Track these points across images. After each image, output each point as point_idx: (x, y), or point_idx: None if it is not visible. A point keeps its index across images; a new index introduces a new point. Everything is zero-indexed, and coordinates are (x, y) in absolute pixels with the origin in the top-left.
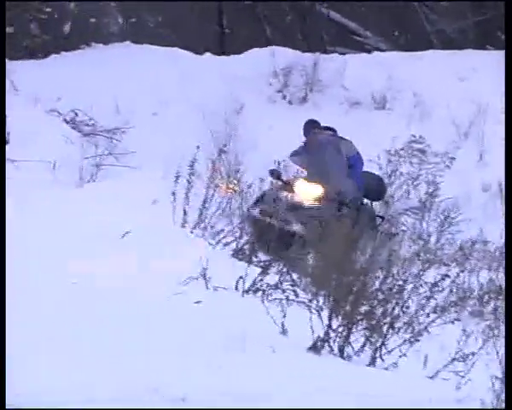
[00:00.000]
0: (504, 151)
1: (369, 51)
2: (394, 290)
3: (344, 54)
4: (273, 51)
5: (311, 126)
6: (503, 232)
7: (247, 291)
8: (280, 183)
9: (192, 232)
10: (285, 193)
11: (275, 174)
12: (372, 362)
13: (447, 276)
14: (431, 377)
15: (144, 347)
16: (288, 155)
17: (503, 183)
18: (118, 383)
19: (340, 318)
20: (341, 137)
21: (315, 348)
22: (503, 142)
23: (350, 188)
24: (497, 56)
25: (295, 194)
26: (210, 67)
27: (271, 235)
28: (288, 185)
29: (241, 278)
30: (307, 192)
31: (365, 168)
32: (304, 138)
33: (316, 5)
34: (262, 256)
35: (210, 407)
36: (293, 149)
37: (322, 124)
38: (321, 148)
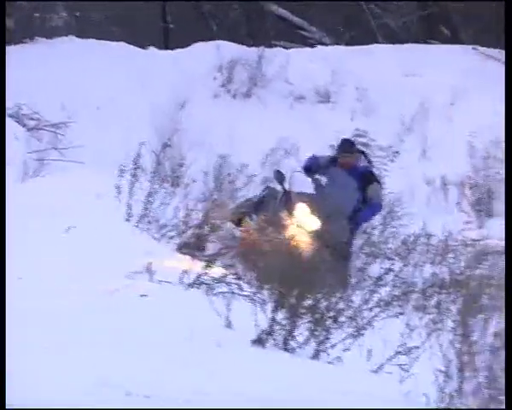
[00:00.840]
0: (504, 151)
1: (313, 46)
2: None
3: (288, 48)
4: (218, 46)
5: (347, 147)
6: (446, 226)
7: (191, 285)
8: (281, 188)
9: (136, 226)
10: (282, 210)
11: (279, 178)
12: (316, 356)
13: (391, 270)
14: (375, 371)
15: (90, 341)
16: (307, 159)
17: (447, 177)
18: (64, 377)
19: (284, 311)
20: (373, 176)
21: (259, 341)
22: (447, 137)
23: (343, 234)
24: (441, 51)
25: (291, 215)
26: (155, 61)
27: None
28: (288, 198)
29: (185, 271)
30: (303, 223)
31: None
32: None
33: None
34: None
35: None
36: (314, 155)
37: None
38: (345, 180)
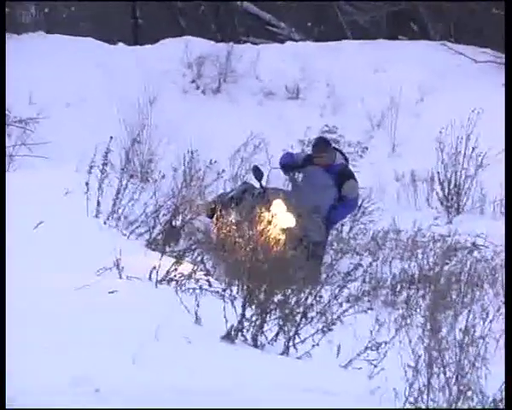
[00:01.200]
0: (504, 151)
1: (282, 42)
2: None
3: (257, 44)
4: (187, 42)
5: (322, 146)
6: (415, 222)
7: (160, 281)
8: (259, 185)
9: (105, 223)
10: (258, 206)
11: (257, 174)
12: (285, 351)
13: (360, 265)
14: (344, 367)
15: (58, 338)
16: (282, 156)
17: (416, 172)
18: (33, 375)
19: (253, 307)
20: (349, 172)
21: (229, 337)
22: (416, 133)
23: (317, 234)
24: (410, 47)
25: (266, 211)
26: (124, 57)
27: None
28: (264, 194)
29: (154, 268)
30: (278, 220)
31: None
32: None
33: None
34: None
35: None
36: (290, 152)
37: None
38: (322, 178)
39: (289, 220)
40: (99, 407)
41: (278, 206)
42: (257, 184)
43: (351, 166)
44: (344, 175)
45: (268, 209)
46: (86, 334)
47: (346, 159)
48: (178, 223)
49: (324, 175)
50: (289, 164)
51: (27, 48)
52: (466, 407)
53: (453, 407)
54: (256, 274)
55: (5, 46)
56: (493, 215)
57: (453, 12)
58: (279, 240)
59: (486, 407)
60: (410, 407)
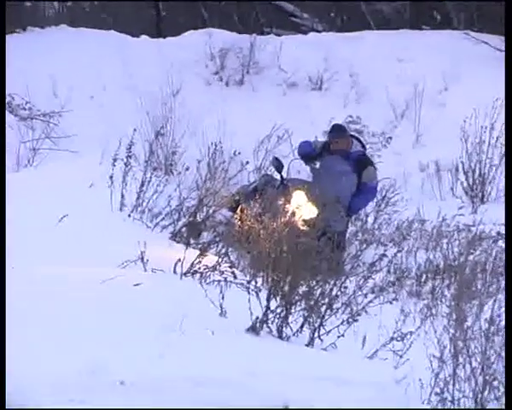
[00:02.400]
0: (505, 151)
1: (305, 33)
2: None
3: (280, 35)
4: (209, 33)
5: (338, 132)
6: (440, 211)
7: (185, 274)
8: (279, 176)
9: (130, 216)
10: (279, 198)
11: (277, 166)
12: (310, 343)
13: (385, 256)
14: (369, 357)
15: (84, 330)
16: (300, 145)
17: (440, 162)
18: (58, 365)
19: (278, 299)
20: (368, 159)
21: (253, 329)
22: (440, 122)
23: (340, 224)
24: (433, 36)
25: (288, 203)
26: (147, 50)
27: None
28: (285, 186)
29: (179, 260)
30: (300, 211)
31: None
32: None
33: None
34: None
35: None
36: (308, 141)
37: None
38: (340, 165)
39: (311, 211)
40: (124, 400)
41: (299, 197)
42: (277, 176)
43: (373, 155)
44: (362, 162)
45: (289, 201)
46: (111, 327)
47: (364, 146)
48: (203, 215)
49: (342, 162)
50: (308, 154)
51: (50, 41)
52: (492, 396)
53: (446, 407)
54: (280, 266)
55: (5, 46)
56: None
57: (476, 1)
58: (302, 231)
59: (486, 407)
60: (435, 397)
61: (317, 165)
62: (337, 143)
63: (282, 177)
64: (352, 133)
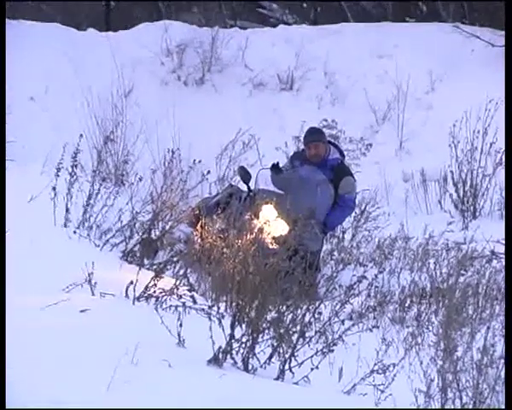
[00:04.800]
0: (505, 151)
1: (274, 25)
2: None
3: (246, 29)
4: (166, 26)
5: (316, 136)
6: (427, 228)
7: (138, 298)
8: (246, 188)
9: (75, 233)
10: (245, 211)
11: (244, 176)
12: (280, 376)
13: (364, 278)
14: (347, 392)
15: (24, 361)
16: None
17: (427, 172)
18: None
19: (243, 326)
20: (346, 169)
21: (216, 360)
22: (426, 127)
23: (314, 242)
24: (418, 30)
25: (256, 217)
26: (95, 44)
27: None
28: (253, 198)
29: (131, 283)
30: (270, 227)
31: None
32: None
33: None
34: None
35: None
36: (278, 168)
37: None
38: (317, 175)
39: (282, 227)
40: None
41: (269, 211)
42: (244, 187)
43: (350, 164)
44: (340, 172)
45: (257, 215)
46: (54, 358)
47: (342, 154)
48: (158, 232)
49: (317, 171)
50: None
51: None
52: None
53: (446, 408)
54: (246, 289)
55: (5, 46)
56: None
57: None
58: (272, 250)
59: (486, 407)
60: None
61: (292, 175)
62: (314, 148)
63: (248, 188)
64: (330, 139)
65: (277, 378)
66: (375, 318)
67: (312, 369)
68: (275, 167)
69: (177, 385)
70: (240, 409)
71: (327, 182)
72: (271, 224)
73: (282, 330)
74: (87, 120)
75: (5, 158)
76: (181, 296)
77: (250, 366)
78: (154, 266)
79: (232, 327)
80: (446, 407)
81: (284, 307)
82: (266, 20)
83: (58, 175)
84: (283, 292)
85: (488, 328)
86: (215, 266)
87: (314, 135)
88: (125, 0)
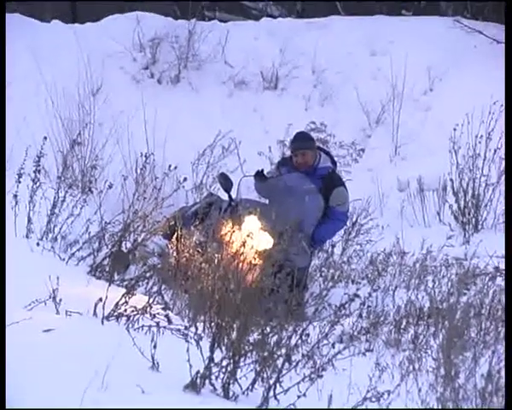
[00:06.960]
0: (505, 151)
1: (257, 18)
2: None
3: (226, 21)
4: (138, 18)
5: (306, 142)
6: (425, 242)
7: (107, 317)
8: (227, 197)
9: (39, 245)
10: (226, 223)
11: (225, 184)
12: (264, 403)
13: (356, 296)
14: None
15: None
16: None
17: (424, 180)
18: None
19: (224, 349)
20: (337, 178)
21: (193, 386)
22: (424, 130)
23: (302, 257)
24: (416, 24)
25: (237, 229)
26: (60, 37)
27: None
28: (234, 208)
29: (100, 300)
30: (253, 240)
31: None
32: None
33: None
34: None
35: None
36: (262, 176)
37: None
38: (305, 184)
39: (266, 241)
40: None
41: (252, 222)
42: (225, 196)
43: (341, 171)
44: (331, 182)
45: (239, 227)
46: (15, 382)
47: (334, 162)
48: (130, 244)
49: (305, 179)
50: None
51: None
52: None
53: (446, 408)
54: (227, 308)
55: (5, 46)
56: None
57: None
58: (255, 265)
59: (486, 407)
60: None
61: (278, 183)
62: (301, 156)
63: (230, 197)
64: (320, 145)
65: (261, 406)
66: (367, 340)
67: (299, 396)
68: (259, 175)
69: None
70: None
71: (316, 191)
72: (255, 237)
73: (265, 354)
74: (52, 121)
75: (5, 158)
76: (155, 316)
77: (231, 393)
78: (125, 282)
79: (211, 350)
80: (447, 408)
81: (268, 329)
82: (248, 12)
83: (19, 181)
84: (267, 312)
85: (493, 352)
86: (192, 282)
87: (301, 142)
88: None
